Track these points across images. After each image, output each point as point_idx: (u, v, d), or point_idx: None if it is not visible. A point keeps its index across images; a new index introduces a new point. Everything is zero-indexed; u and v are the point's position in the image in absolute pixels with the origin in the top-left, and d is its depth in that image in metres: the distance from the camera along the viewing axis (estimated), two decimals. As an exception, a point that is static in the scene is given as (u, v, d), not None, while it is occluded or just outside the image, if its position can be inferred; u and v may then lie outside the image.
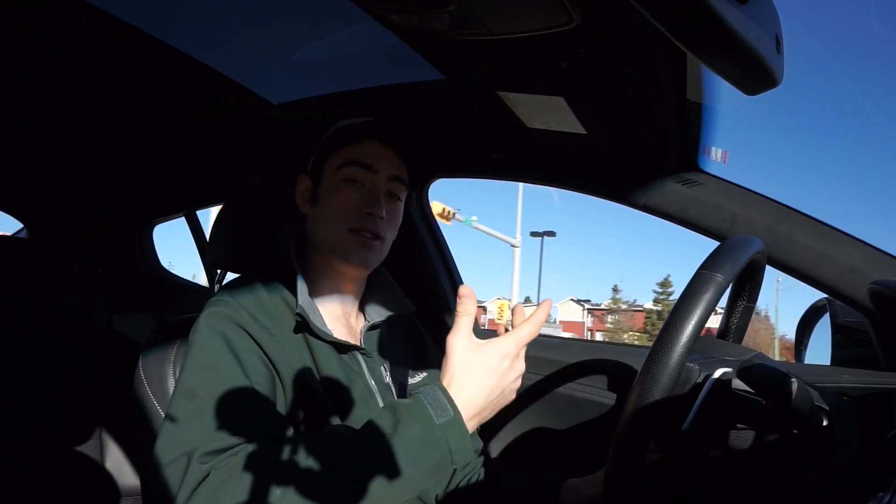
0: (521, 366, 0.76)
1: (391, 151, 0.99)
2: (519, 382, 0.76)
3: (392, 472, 0.67)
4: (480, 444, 1.15)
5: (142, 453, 0.99)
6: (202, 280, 2.62)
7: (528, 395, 1.34)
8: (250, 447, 0.72)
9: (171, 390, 0.96)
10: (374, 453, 0.68)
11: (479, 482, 1.06)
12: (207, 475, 0.70)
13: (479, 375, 0.72)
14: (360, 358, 0.96)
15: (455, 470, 1.07)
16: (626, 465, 0.71)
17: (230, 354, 0.81)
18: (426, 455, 0.68)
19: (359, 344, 0.97)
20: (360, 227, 0.94)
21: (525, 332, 0.75)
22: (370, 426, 0.71)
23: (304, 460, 0.69)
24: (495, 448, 1.37)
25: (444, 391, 0.71)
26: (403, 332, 1.10)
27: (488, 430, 1.40)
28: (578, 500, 0.95)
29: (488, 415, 0.74)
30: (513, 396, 0.76)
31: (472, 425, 0.72)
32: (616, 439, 0.71)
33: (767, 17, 0.41)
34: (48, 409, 1.60)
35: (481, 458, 1.12)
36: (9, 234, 2.21)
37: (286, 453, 0.70)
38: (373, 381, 0.96)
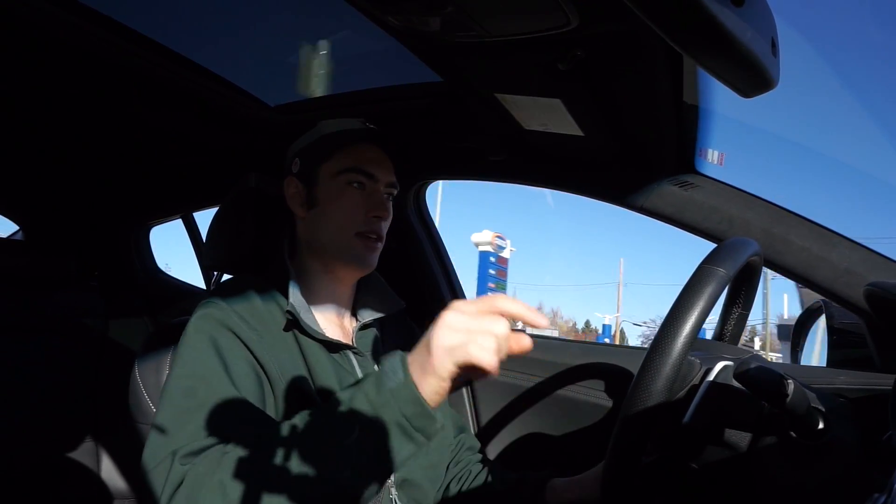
0: (476, 325, 0.64)
1: (386, 157, 1.02)
2: (481, 341, 0.63)
3: (357, 445, 0.65)
4: (475, 442, 1.15)
5: (137, 455, 0.99)
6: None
7: (526, 398, 1.34)
8: (222, 446, 0.72)
9: None
10: (335, 435, 0.66)
11: (471, 479, 1.07)
12: (186, 475, 0.70)
13: (433, 333, 0.65)
14: (353, 357, 0.96)
15: (449, 466, 1.07)
16: (624, 463, 0.71)
17: (217, 358, 0.81)
18: (380, 424, 0.65)
19: (351, 344, 0.97)
20: (366, 231, 0.97)
21: (497, 301, 0.65)
22: (335, 401, 0.69)
23: (275, 453, 0.67)
24: (493, 450, 1.37)
25: (402, 356, 0.67)
26: (397, 333, 1.11)
27: (487, 432, 1.40)
28: (560, 502, 0.95)
29: (445, 369, 0.64)
30: (474, 353, 0.63)
31: (427, 386, 0.64)
32: (617, 431, 0.71)
33: (763, 19, 0.41)
34: (43, 410, 1.59)
35: (477, 456, 1.12)
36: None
37: (256, 447, 0.69)
38: None
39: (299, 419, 0.71)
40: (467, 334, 0.64)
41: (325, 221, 0.98)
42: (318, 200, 0.98)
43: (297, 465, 0.66)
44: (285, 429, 0.70)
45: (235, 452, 0.69)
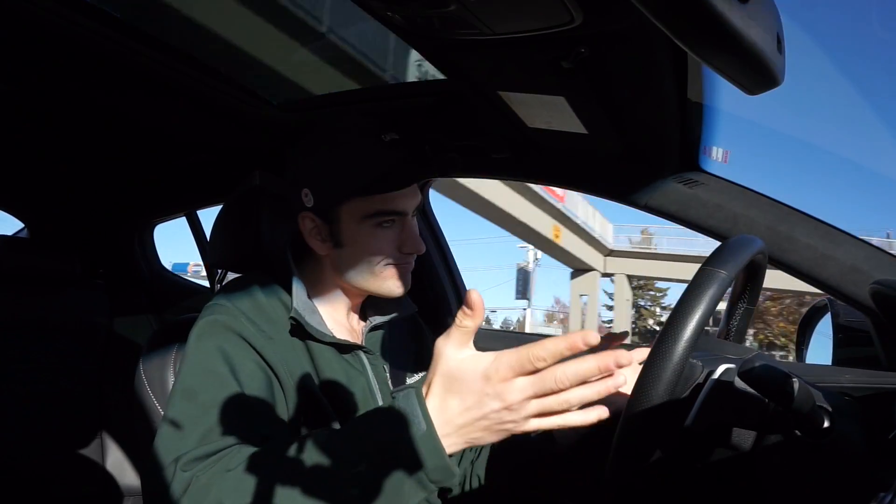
0: (509, 394, 0.61)
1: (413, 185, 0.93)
2: (509, 415, 0.62)
3: (364, 480, 0.64)
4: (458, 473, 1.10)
5: (143, 453, 0.99)
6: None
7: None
8: (230, 452, 0.72)
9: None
10: (347, 460, 0.65)
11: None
12: (190, 483, 0.69)
13: (459, 390, 0.63)
14: (363, 356, 0.96)
15: (461, 458, 1.07)
16: (629, 463, 0.71)
17: (225, 366, 0.80)
18: (394, 466, 0.64)
19: (360, 343, 0.97)
20: (400, 262, 0.93)
21: (516, 358, 0.60)
22: (347, 431, 0.68)
23: (282, 465, 0.67)
24: (495, 448, 1.36)
25: (421, 399, 0.64)
26: (405, 332, 1.10)
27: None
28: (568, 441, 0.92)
29: (472, 438, 0.64)
30: (502, 430, 0.63)
31: (449, 443, 0.64)
32: (619, 434, 0.71)
33: (768, 15, 0.41)
34: (49, 408, 1.60)
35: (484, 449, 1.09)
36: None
37: (260, 463, 0.69)
38: (374, 379, 0.95)
39: (310, 441, 0.69)
40: (502, 410, 0.61)
41: (355, 262, 0.92)
42: (344, 242, 0.91)
43: (302, 482, 0.65)
44: (293, 448, 0.68)
45: (239, 468, 0.68)
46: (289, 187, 0.94)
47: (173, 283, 2.25)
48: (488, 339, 1.48)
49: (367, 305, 1.05)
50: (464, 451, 1.06)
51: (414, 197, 0.92)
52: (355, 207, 0.88)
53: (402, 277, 0.94)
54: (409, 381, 1.04)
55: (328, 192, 0.89)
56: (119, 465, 1.68)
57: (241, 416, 0.77)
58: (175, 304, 2.09)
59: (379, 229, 0.90)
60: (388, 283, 0.93)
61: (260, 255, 1.06)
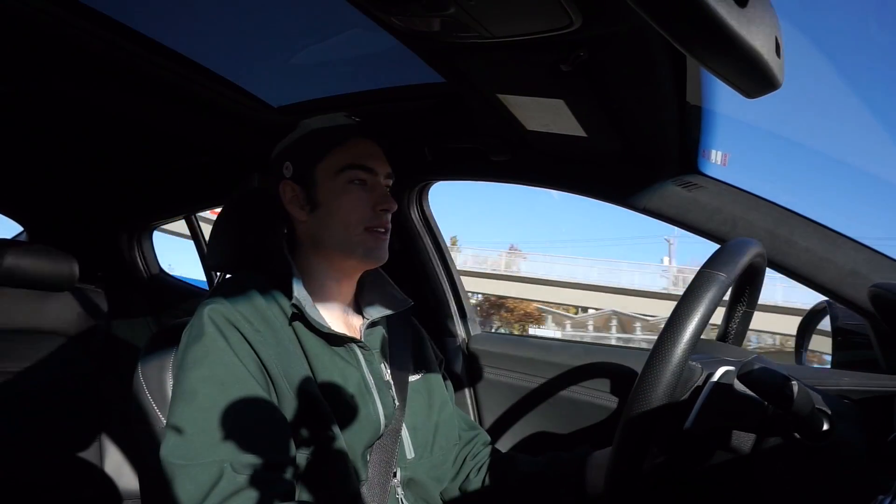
0: None
1: (379, 149, 1.01)
2: None
3: None
4: (488, 437, 1.15)
5: (142, 456, 0.98)
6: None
7: (530, 399, 1.34)
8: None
9: (169, 393, 0.96)
10: None
11: (493, 467, 1.06)
12: (240, 489, 0.72)
13: None
14: (358, 351, 0.96)
15: (465, 459, 1.09)
16: (629, 465, 0.71)
17: (231, 354, 0.82)
18: None
19: (358, 338, 0.97)
20: (375, 225, 0.97)
21: None
22: None
23: None
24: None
25: None
26: (403, 332, 1.10)
27: (490, 433, 1.40)
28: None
29: None
30: None
31: None
32: (619, 436, 0.71)
33: (767, 18, 0.41)
34: (48, 411, 1.60)
35: (487, 449, 1.11)
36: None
37: None
38: (370, 376, 0.95)
39: None
40: None
41: (331, 222, 0.96)
42: (320, 202, 0.97)
43: None
44: None
45: None
46: (272, 170, 1.02)
47: (172, 285, 2.24)
48: (487, 342, 1.48)
49: (363, 303, 1.05)
50: (464, 459, 1.08)
51: (382, 161, 1.00)
52: (329, 164, 0.97)
53: (377, 244, 0.98)
54: (410, 380, 1.04)
55: (305, 156, 0.98)
56: (117, 469, 1.67)
57: (253, 413, 0.79)
58: (173, 307, 2.08)
59: (352, 186, 0.96)
60: (365, 247, 0.96)
61: (259, 256, 1.06)
